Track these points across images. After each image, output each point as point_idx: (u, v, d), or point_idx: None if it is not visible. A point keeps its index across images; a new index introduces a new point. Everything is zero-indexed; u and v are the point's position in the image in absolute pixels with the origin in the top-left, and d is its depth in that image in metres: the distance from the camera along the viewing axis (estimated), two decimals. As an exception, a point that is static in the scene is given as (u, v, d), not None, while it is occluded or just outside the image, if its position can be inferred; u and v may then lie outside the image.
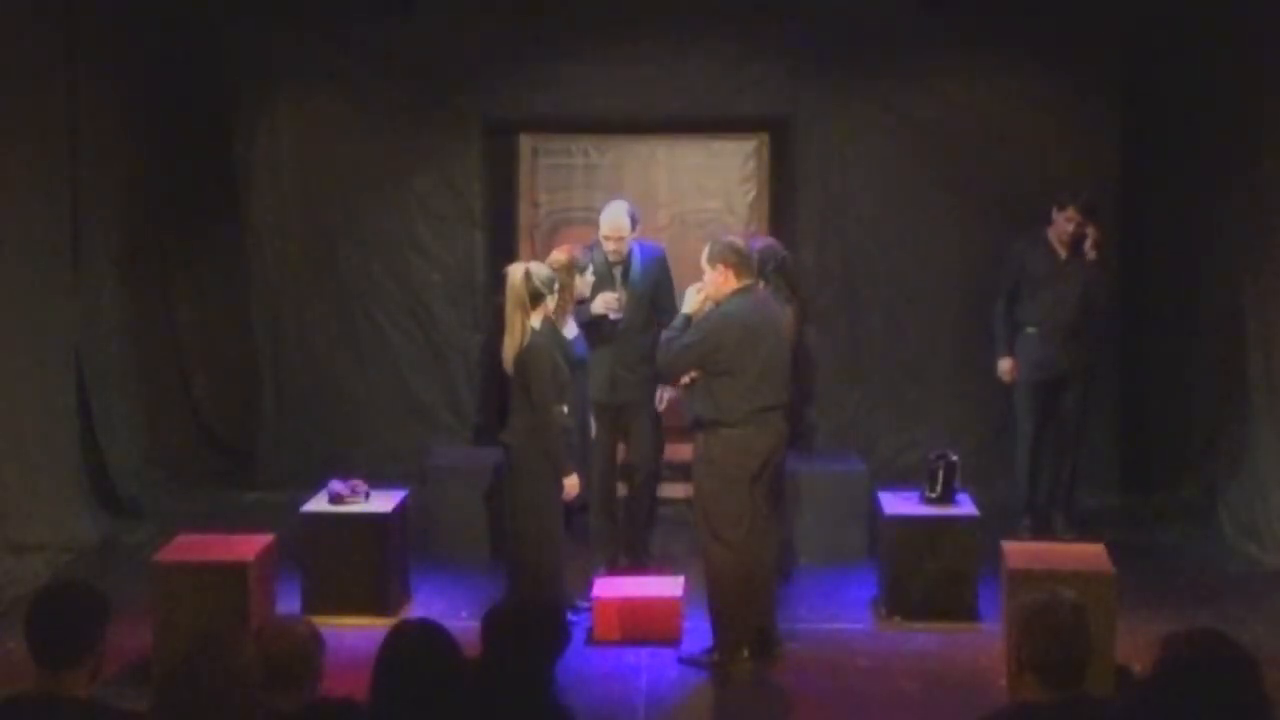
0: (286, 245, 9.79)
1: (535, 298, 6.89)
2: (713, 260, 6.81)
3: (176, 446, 9.74)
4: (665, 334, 6.94)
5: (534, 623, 4.29)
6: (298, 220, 9.78)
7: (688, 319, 6.89)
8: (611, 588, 7.31)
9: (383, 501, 7.64)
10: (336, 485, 7.62)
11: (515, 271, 6.98)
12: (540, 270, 6.99)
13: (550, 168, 9.80)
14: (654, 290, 7.90)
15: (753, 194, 9.76)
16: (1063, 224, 8.55)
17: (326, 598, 7.23)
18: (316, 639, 4.10)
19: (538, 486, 6.92)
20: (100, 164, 8.99)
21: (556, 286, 7.03)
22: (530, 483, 6.92)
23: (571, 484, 6.96)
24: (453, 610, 7.26)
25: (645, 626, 7.10)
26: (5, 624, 6.82)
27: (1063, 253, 8.59)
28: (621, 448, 8.05)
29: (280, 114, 9.72)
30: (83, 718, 3.85)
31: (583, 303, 7.65)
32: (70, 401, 8.71)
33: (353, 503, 7.57)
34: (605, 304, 7.79)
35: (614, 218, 7.87)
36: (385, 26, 9.57)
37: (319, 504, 7.60)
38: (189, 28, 9.61)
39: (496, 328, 7.57)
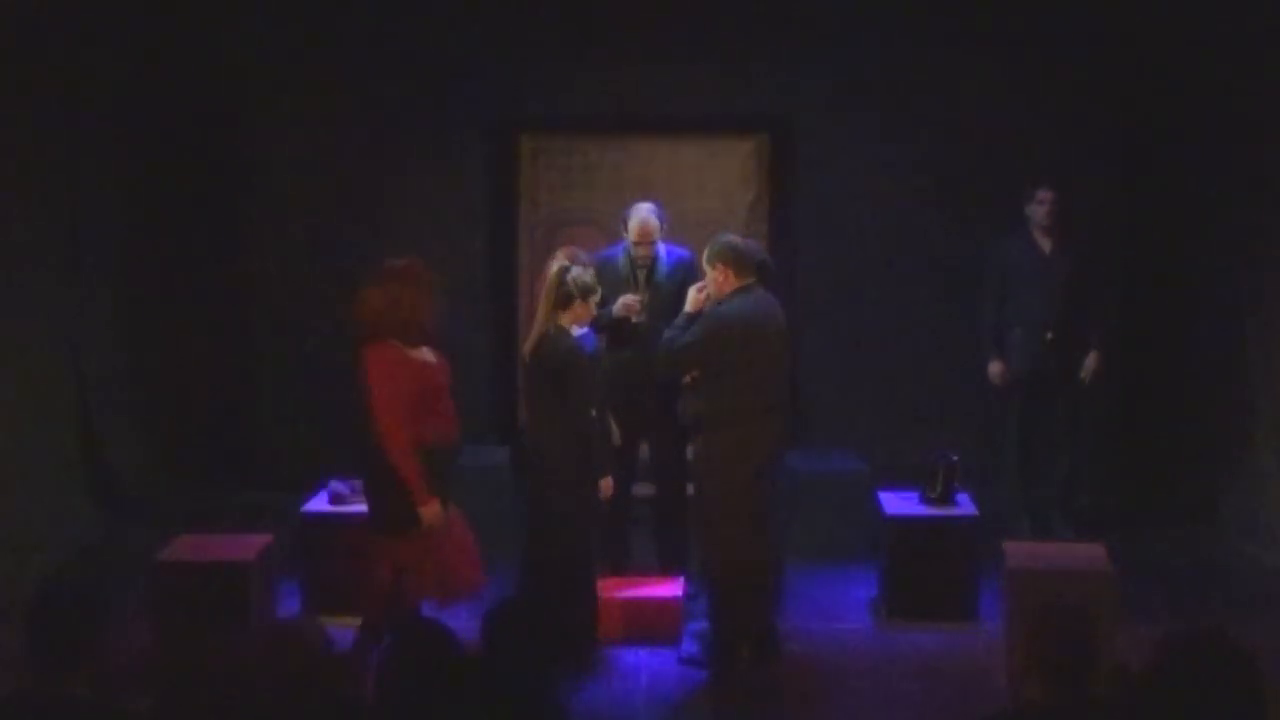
0: (286, 244, 9.78)
1: (565, 299, 6.76)
2: (712, 260, 6.82)
3: (176, 446, 9.74)
4: (667, 333, 6.94)
5: (534, 622, 4.30)
6: (298, 220, 9.77)
7: (689, 318, 6.90)
8: (613, 587, 7.31)
9: (383, 501, 7.63)
10: (336, 485, 7.62)
11: (551, 265, 6.87)
12: (581, 275, 6.80)
13: (550, 168, 9.80)
14: (679, 294, 7.40)
15: (753, 194, 9.76)
16: (1038, 209, 8.52)
17: (326, 598, 7.23)
18: (330, 642, 4.10)
19: (574, 492, 6.79)
20: (100, 165, 8.98)
21: (594, 298, 6.86)
22: (566, 488, 6.78)
23: (607, 485, 6.87)
24: (452, 610, 7.24)
25: (647, 626, 7.10)
26: (5, 624, 6.81)
27: (1046, 246, 8.57)
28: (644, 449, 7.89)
29: (280, 114, 9.72)
30: (83, 718, 3.85)
31: (604, 305, 7.36)
32: (70, 401, 8.71)
33: (353, 503, 7.56)
34: (626, 307, 7.52)
35: (642, 221, 7.60)
36: (385, 26, 9.57)
37: (319, 504, 7.61)
38: (189, 27, 9.61)
39: None
